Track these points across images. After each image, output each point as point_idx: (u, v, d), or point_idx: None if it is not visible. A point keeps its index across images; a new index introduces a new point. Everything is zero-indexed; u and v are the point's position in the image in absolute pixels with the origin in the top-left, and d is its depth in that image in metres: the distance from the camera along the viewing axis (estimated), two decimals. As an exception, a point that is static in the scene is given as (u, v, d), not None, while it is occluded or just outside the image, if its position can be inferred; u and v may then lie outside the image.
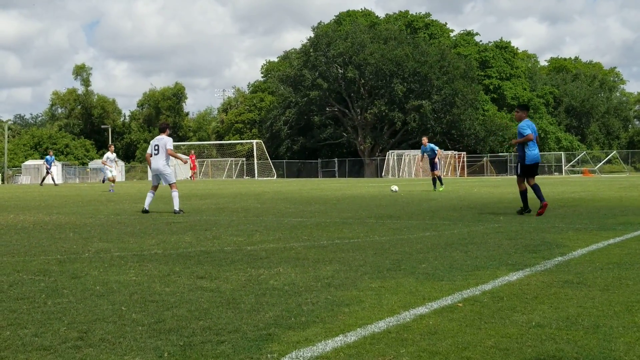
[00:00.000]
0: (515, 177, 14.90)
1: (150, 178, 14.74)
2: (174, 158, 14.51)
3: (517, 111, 12.94)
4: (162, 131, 14.61)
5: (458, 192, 22.71)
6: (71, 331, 4.19)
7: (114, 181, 28.25)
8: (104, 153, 79.79)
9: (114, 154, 29.17)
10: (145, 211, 14.15)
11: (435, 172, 24.31)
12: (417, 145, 67.48)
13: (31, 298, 5.19)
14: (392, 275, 6.01)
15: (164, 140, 14.30)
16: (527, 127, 12.39)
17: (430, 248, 7.85)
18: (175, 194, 14.09)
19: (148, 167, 15.05)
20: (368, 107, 68.23)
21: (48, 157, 40.46)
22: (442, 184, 24.33)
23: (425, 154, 24.54)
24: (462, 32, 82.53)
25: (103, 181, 28.86)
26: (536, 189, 12.46)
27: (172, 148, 14.45)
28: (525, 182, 12.60)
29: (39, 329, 4.26)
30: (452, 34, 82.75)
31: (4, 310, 4.77)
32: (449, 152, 64.97)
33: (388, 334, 4.06)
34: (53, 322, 4.43)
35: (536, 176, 12.79)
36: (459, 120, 67.38)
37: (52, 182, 42.59)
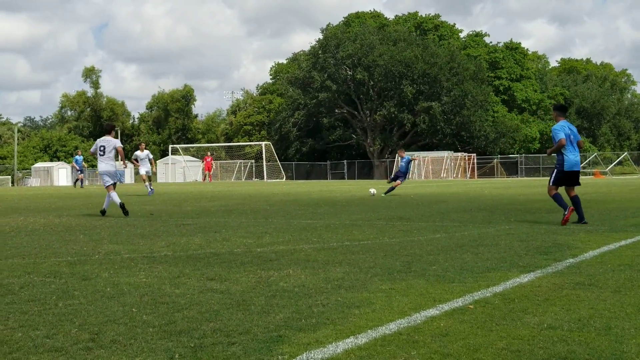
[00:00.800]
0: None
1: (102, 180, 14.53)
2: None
3: (552, 112, 12.02)
4: (108, 132, 14.38)
5: (468, 194, 22.64)
6: (82, 333, 4.21)
7: (146, 180, 25.57)
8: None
9: (146, 152, 26.26)
10: (122, 205, 13.77)
11: (398, 182, 22.61)
12: (427, 147, 67.46)
13: (42, 300, 5.21)
14: (402, 277, 6.00)
15: (112, 142, 14.17)
16: (561, 129, 10.88)
17: (440, 250, 7.84)
18: (114, 195, 14.02)
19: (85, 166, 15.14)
20: (377, 109, 68.13)
21: (77, 157, 39.13)
22: (390, 190, 22.37)
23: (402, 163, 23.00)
24: (471, 33, 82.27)
25: (149, 179, 26.69)
26: (576, 202, 10.85)
27: (122, 147, 14.41)
28: (565, 192, 11.18)
29: (50, 330, 4.27)
30: (461, 35, 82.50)
31: (16, 312, 4.79)
32: (459, 154, 64.77)
33: (399, 335, 4.05)
34: (64, 323, 4.44)
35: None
36: (468, 122, 67.13)
37: (72, 184, 40.81)
